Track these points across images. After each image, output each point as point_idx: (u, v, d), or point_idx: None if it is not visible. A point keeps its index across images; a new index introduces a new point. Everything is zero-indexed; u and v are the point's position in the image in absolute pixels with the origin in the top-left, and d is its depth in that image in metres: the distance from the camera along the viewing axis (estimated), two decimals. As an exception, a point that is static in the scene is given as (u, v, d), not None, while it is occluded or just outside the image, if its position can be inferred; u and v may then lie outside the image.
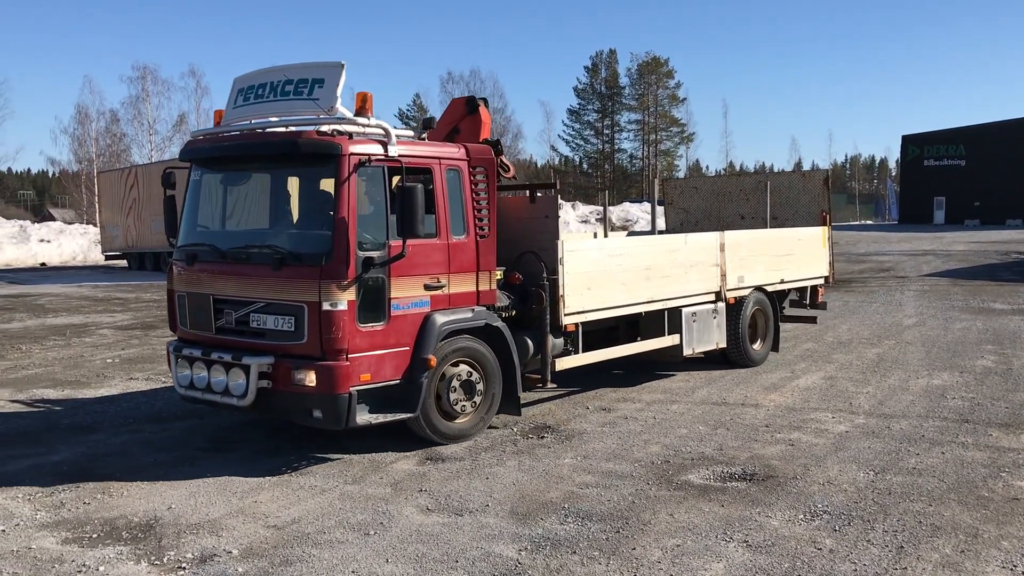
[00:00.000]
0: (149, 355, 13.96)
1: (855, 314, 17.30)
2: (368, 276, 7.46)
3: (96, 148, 60.73)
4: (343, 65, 7.62)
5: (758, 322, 12.03)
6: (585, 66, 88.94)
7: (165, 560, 5.62)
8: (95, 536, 6.07)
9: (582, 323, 9.36)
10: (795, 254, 12.46)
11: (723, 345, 11.29)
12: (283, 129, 7.69)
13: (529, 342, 8.92)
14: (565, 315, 9.03)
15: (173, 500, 6.77)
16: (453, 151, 8.37)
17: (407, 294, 7.77)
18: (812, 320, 13.54)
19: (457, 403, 8.20)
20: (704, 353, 11.19)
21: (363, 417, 7.51)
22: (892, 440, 8.15)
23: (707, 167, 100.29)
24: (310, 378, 7.31)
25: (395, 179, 7.64)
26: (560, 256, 8.96)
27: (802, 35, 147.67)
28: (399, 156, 7.69)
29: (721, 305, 11.12)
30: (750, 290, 11.62)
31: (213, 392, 7.74)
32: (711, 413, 9.38)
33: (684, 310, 10.55)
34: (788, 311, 13.21)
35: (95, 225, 48.80)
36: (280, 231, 8.08)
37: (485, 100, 9.87)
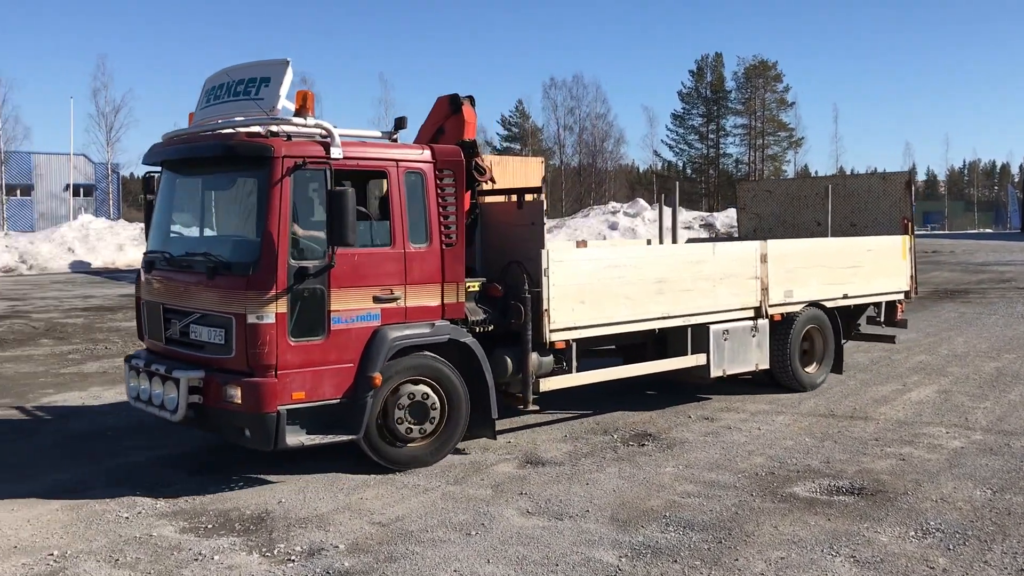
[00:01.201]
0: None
1: (971, 326, 16.58)
2: (303, 287, 6.98)
3: (212, 155, 63.05)
4: (287, 62, 7.27)
5: (815, 341, 10.99)
6: (690, 70, 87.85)
7: (275, 552, 5.83)
8: (210, 527, 6.33)
9: (577, 340, 8.61)
10: (864, 266, 11.25)
11: (764, 366, 10.26)
12: (223, 132, 7.40)
13: (508, 360, 8.18)
14: (551, 331, 8.30)
15: (283, 495, 7.00)
16: (414, 153, 7.78)
17: (351, 307, 7.21)
18: (890, 340, 12.14)
19: (404, 426, 7.53)
20: (743, 375, 10.23)
21: (295, 438, 6.97)
22: (1012, 458, 7.80)
23: (815, 172, 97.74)
24: (237, 395, 6.89)
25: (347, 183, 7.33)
26: (545, 267, 8.20)
27: (916, 37, 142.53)
28: (344, 158, 7.23)
29: (763, 322, 10.11)
30: (801, 306, 10.56)
31: (152, 404, 7.44)
32: (818, 425, 9.15)
33: (713, 327, 9.62)
34: (864, 329, 12.01)
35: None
36: (217, 238, 7.82)
37: (471, 98, 9.10)
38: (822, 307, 10.87)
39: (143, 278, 8.12)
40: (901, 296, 11.92)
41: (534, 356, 8.22)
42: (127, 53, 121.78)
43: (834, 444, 8.38)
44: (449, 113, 8.94)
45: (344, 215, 6.82)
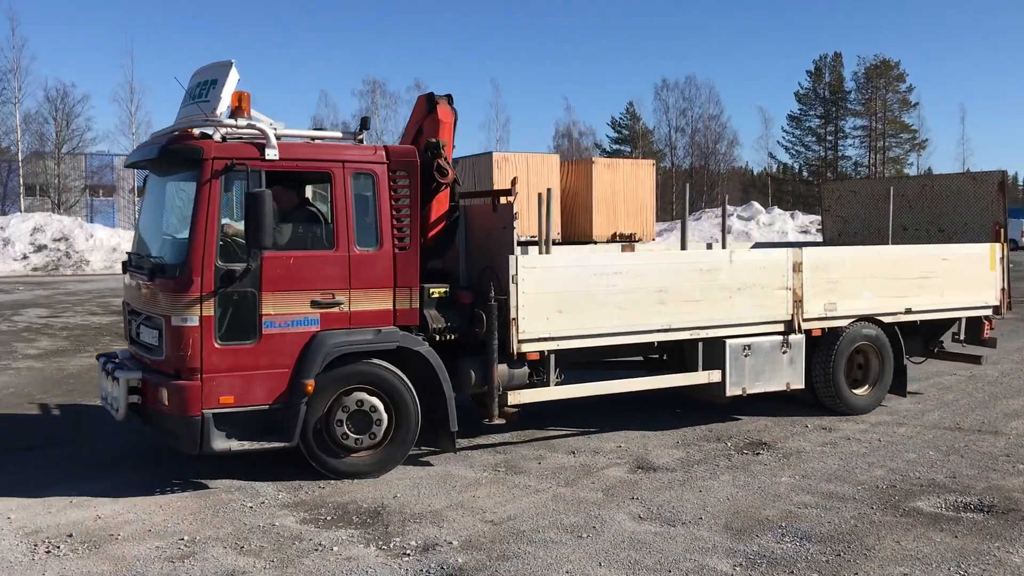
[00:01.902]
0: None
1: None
2: (232, 290, 6.91)
3: (330, 158, 65.07)
4: (231, 64, 7.28)
5: (870, 361, 9.96)
6: (807, 70, 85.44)
7: (391, 546, 5.97)
8: (329, 519, 6.54)
9: (556, 351, 8.20)
10: (937, 277, 10.08)
11: (798, 386, 9.35)
12: (166, 134, 7.49)
13: (472, 371, 7.88)
14: (519, 341, 7.90)
15: (398, 490, 7.16)
16: (364, 153, 7.56)
17: (285, 311, 7.06)
18: (975, 360, 10.78)
19: (346, 436, 7.33)
20: (769, 393, 9.29)
21: (221, 444, 6.89)
22: None
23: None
24: (165, 397, 6.89)
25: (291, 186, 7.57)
26: (513, 273, 7.82)
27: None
28: (281, 159, 7.09)
29: (797, 338, 9.24)
30: (849, 321, 9.63)
31: (107, 403, 7.54)
32: (943, 438, 8.78)
33: (730, 342, 8.89)
34: (946, 348, 10.93)
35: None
36: (162, 239, 7.78)
37: (449, 97, 8.63)
38: (878, 322, 9.87)
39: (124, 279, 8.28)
40: (988, 312, 10.59)
41: (503, 367, 7.90)
42: (252, 57, 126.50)
43: (960, 458, 8.03)
44: (426, 113, 8.56)
45: (258, 218, 6.71)
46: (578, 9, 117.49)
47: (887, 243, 11.32)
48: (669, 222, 45.82)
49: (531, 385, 8.21)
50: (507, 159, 32.90)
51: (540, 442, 8.63)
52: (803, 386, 9.43)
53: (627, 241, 28.22)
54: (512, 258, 7.86)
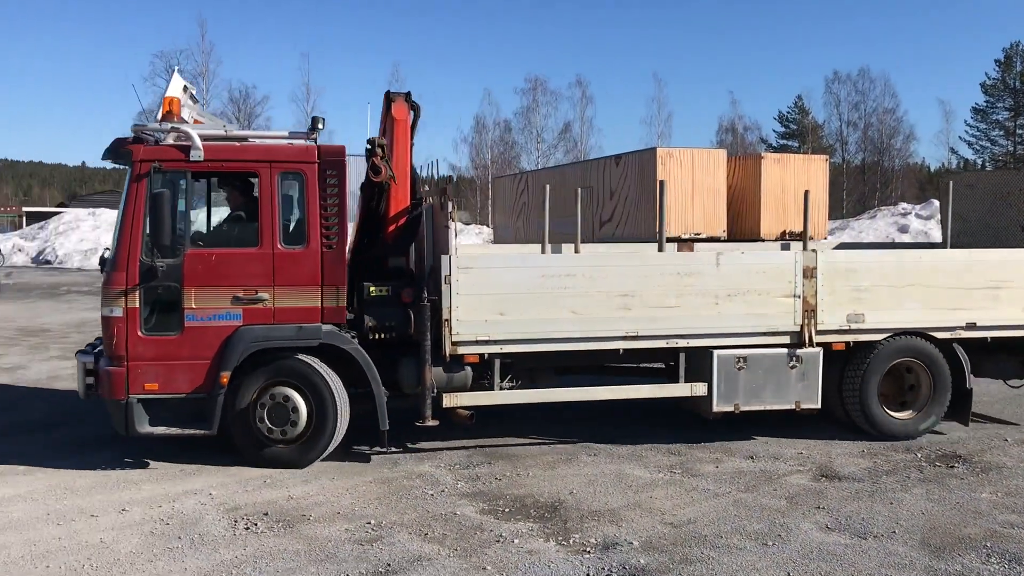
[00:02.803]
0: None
1: None
2: (156, 284, 7.31)
3: (491, 155, 66.12)
4: (175, 70, 7.96)
5: (920, 380, 8.68)
6: (996, 59, 79.84)
7: (571, 542, 5.96)
8: (507, 510, 6.60)
9: (501, 354, 7.91)
10: (1012, 286, 8.65)
11: (810, 405, 8.35)
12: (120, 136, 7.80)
13: (406, 371, 7.83)
14: (453, 343, 7.73)
15: (574, 486, 7.16)
16: (292, 153, 7.67)
17: (207, 305, 7.37)
18: None
19: (264, 427, 7.52)
20: (774, 409, 8.37)
21: (144, 428, 7.34)
22: None
23: None
24: (100, 381, 7.43)
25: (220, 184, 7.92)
26: (447, 274, 7.66)
27: None
28: (207, 160, 7.43)
29: (810, 352, 8.28)
30: (884, 335, 8.49)
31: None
32: None
33: (718, 353, 8.14)
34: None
35: (488, 226, 53.12)
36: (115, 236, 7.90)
37: (406, 94, 8.40)
38: (928, 337, 8.62)
39: None
40: None
41: (438, 369, 7.82)
42: (419, 57, 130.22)
43: None
44: (385, 111, 8.51)
45: (157, 218, 7.15)
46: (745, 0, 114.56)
47: (1006, 246, 9.88)
48: (840, 220, 43.91)
49: (479, 388, 8.05)
50: (671, 155, 32.27)
51: (716, 445, 8.42)
52: (817, 406, 8.39)
53: (796, 239, 27.06)
54: (445, 258, 7.72)
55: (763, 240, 20.09)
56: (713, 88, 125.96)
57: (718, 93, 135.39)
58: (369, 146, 8.09)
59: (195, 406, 7.51)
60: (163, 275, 7.39)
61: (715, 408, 8.21)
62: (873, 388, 8.52)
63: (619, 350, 8.15)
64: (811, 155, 34.31)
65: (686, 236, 32.53)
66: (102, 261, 7.80)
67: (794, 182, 30.96)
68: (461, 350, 7.82)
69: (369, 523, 6.31)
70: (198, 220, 8.13)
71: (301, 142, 7.89)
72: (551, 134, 67.29)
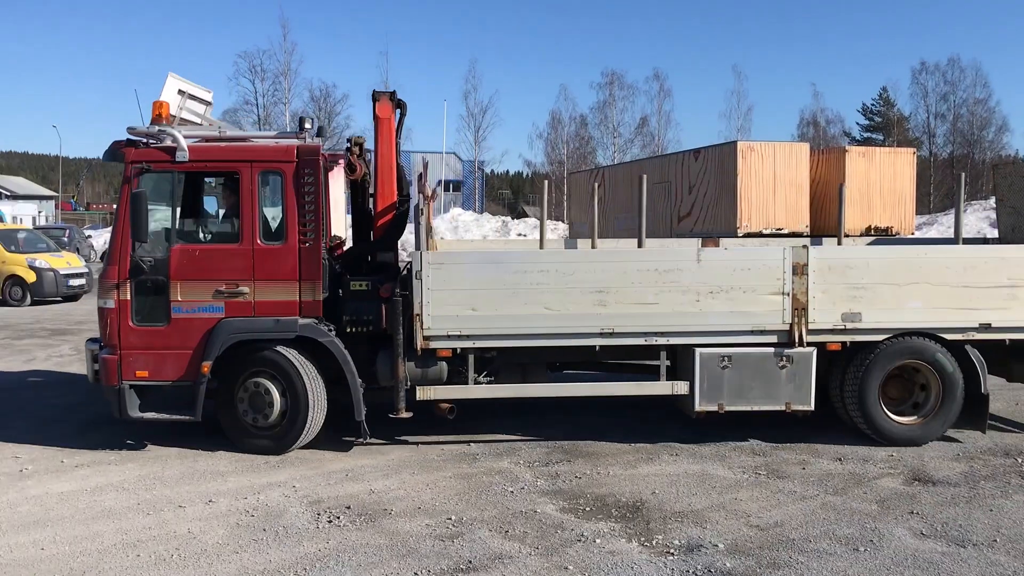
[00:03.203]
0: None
1: None
2: (146, 278, 7.81)
3: (566, 151, 65.95)
4: (168, 75, 8.34)
5: (930, 384, 8.19)
6: (1094, 47, 76.38)
7: (654, 543, 5.85)
8: (588, 509, 6.52)
9: (476, 349, 7.97)
10: None
11: (802, 407, 8.01)
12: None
13: (381, 364, 8.00)
14: (424, 337, 7.84)
15: (656, 486, 7.04)
16: (272, 153, 7.96)
17: (192, 298, 7.80)
18: None
19: (246, 415, 7.95)
20: (761, 411, 8.09)
21: (135, 412, 7.89)
22: None
23: None
24: (100, 367, 7.95)
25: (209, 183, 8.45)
26: (418, 269, 7.79)
27: None
28: (191, 161, 7.82)
29: (802, 351, 7.95)
30: (885, 335, 8.07)
31: None
32: None
33: (700, 351, 7.95)
34: None
35: (563, 222, 52.99)
36: None
37: (391, 94, 8.56)
38: (938, 339, 8.12)
39: None
40: None
41: (411, 363, 7.95)
42: (495, 55, 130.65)
43: None
44: (374, 110, 8.63)
45: (136, 216, 7.60)
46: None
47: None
48: (928, 215, 42.54)
49: (453, 382, 8.14)
50: (752, 148, 31.81)
51: (802, 446, 8.19)
52: (810, 407, 8.04)
53: (883, 235, 26.42)
54: (417, 254, 7.85)
55: (847, 235, 19.43)
56: (794, 80, 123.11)
57: (799, 85, 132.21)
58: (348, 144, 8.42)
59: (184, 393, 7.93)
60: (152, 269, 7.85)
61: (697, 407, 8.03)
62: (873, 391, 8.13)
63: (595, 347, 8.06)
64: (898, 148, 33.24)
65: (767, 232, 31.98)
66: (102, 256, 8.32)
67: (880, 176, 29.97)
68: (433, 344, 7.94)
69: (450, 518, 6.30)
70: (186, 217, 8.44)
71: (290, 142, 8.11)
72: (628, 129, 66.73)
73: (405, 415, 7.95)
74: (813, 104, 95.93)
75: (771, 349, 8.01)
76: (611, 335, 7.99)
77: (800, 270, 8.00)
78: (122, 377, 7.86)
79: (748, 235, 29.37)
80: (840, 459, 7.78)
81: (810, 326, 8.01)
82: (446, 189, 65.00)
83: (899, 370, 8.24)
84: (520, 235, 50.12)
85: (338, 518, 6.34)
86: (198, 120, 8.71)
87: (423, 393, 8.04)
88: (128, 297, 7.87)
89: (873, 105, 77.00)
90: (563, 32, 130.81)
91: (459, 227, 41.64)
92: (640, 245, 9.63)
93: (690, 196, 31.73)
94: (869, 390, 8.11)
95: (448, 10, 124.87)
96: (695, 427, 8.72)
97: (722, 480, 7.20)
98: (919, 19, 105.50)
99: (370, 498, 6.78)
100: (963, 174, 12.26)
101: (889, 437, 8.19)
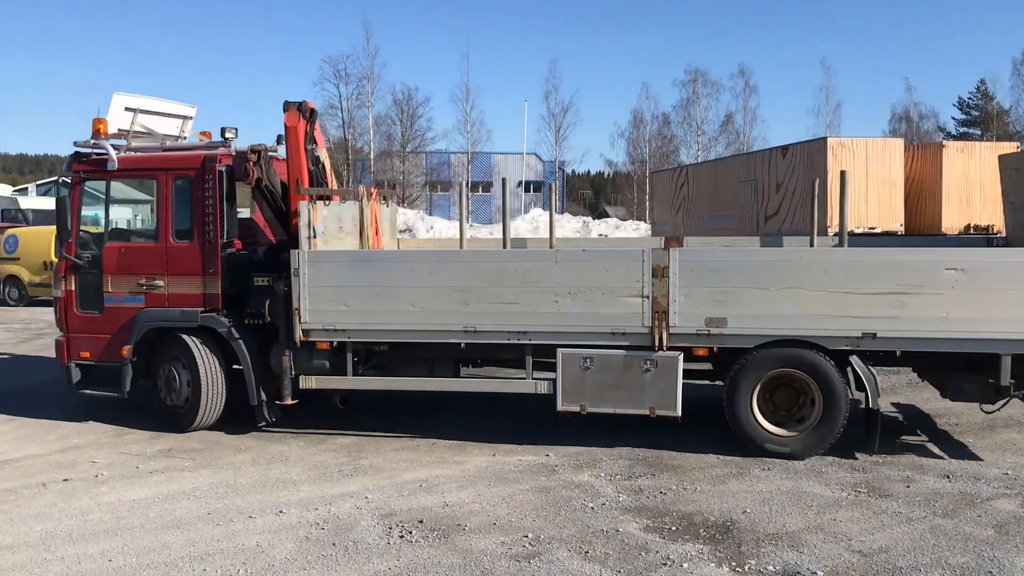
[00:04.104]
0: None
1: None
2: (86, 271, 9.19)
3: (648, 150, 65.04)
4: (114, 95, 9.32)
5: (820, 397, 7.63)
6: None
7: (746, 568, 5.42)
8: (674, 529, 6.11)
9: (353, 343, 8.44)
10: (936, 292, 7.27)
11: (668, 412, 7.76)
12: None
13: (274, 355, 8.62)
14: (303, 330, 8.40)
15: (747, 504, 6.58)
16: (182, 160, 9.04)
17: (120, 290, 9.03)
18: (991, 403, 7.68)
19: (163, 395, 8.96)
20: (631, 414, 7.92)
21: (80, 388, 9.32)
22: None
23: None
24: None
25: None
26: (296, 267, 8.34)
27: None
28: (119, 170, 9.09)
29: (666, 355, 7.70)
30: (758, 342, 7.66)
31: None
32: None
33: (562, 351, 7.90)
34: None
35: (646, 222, 52.27)
36: None
37: (299, 104, 9.05)
38: (818, 347, 7.59)
39: None
40: None
41: (288, 354, 8.46)
42: (576, 54, 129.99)
43: None
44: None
45: (60, 218, 9.21)
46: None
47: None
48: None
49: (336, 373, 8.58)
50: (843, 145, 30.57)
51: (906, 460, 7.62)
52: (676, 413, 7.77)
53: (983, 233, 24.98)
54: (295, 252, 8.38)
55: (944, 235, 18.16)
56: (885, 74, 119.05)
57: (890, 80, 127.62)
58: (246, 151, 8.94)
59: (111, 372, 9.06)
60: (90, 264, 9.20)
61: (560, 407, 8.01)
62: (743, 400, 7.78)
63: (460, 344, 8.21)
64: (998, 142, 31.63)
65: (859, 230, 30.81)
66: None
67: (980, 172, 28.44)
68: (312, 337, 8.45)
69: (526, 536, 5.97)
70: (117, 219, 9.68)
71: (213, 152, 8.99)
72: (712, 126, 65.45)
73: (289, 402, 8.56)
74: (905, 99, 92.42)
75: (636, 352, 7.82)
76: (475, 333, 8.12)
77: (661, 272, 7.78)
78: (70, 356, 9.29)
79: (838, 234, 28.39)
80: (948, 476, 7.19)
81: (671, 330, 7.76)
82: (526, 190, 64.81)
83: (788, 380, 7.80)
84: (601, 235, 49.60)
85: (410, 532, 6.07)
86: (176, 132, 10.02)
87: (305, 383, 8.57)
88: (73, 288, 9.28)
89: (970, 99, 73.90)
90: (644, 30, 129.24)
91: (539, 228, 41.29)
92: (504, 246, 10.12)
93: (778, 194, 30.79)
94: (739, 399, 7.79)
95: (529, 10, 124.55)
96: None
97: (819, 499, 6.69)
98: (1021, 7, 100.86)
99: (444, 512, 6.50)
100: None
101: (760, 449, 7.77)
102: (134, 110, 9.48)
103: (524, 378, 8.25)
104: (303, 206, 8.53)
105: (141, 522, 6.35)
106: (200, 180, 8.81)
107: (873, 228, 28.84)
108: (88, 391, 9.27)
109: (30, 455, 8.21)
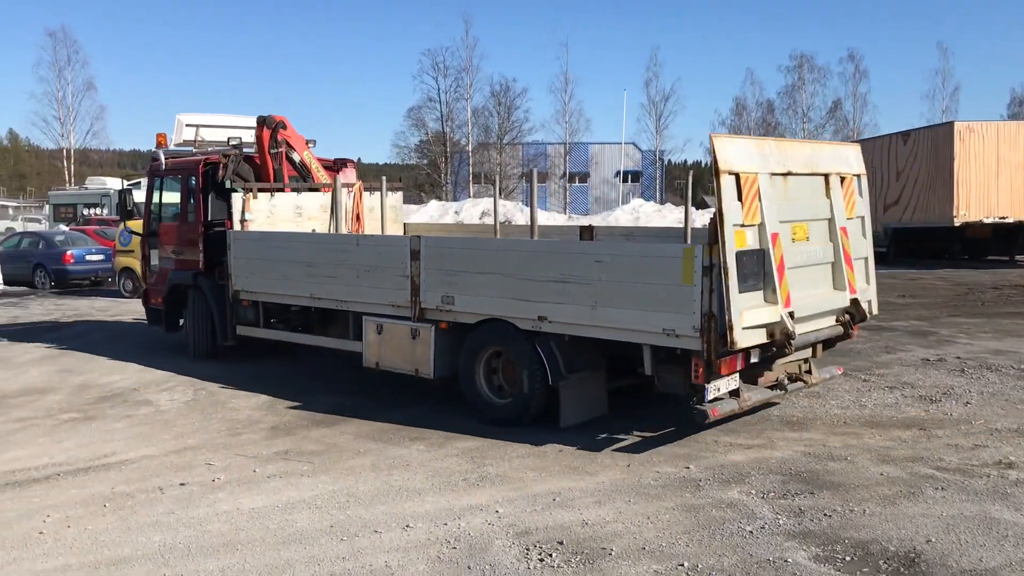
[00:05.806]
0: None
1: None
2: (149, 244, 13.25)
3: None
4: (176, 115, 13.09)
5: (518, 371, 8.37)
6: None
7: (948, 613, 4.66)
8: (849, 560, 5.37)
9: (263, 302, 11.13)
10: (585, 283, 7.76)
11: (425, 374, 9.00)
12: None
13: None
14: (234, 291, 11.28)
15: (929, 531, 5.78)
16: (193, 163, 12.40)
17: (163, 256, 13.00)
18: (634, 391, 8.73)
19: (184, 332, 12.73)
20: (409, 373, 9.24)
21: (152, 324, 13.55)
22: None
23: None
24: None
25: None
26: (229, 243, 11.27)
27: None
28: (166, 169, 12.89)
29: (424, 326, 8.98)
30: (478, 319, 8.62)
31: None
32: None
33: (365, 318, 9.61)
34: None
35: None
36: None
37: (265, 119, 11.98)
38: (516, 328, 8.32)
39: None
40: (686, 343, 7.24)
41: (229, 306, 11.49)
42: (677, 41, 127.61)
43: None
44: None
45: (120, 203, 14.70)
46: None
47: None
48: None
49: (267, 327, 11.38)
50: (971, 129, 28.82)
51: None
52: (430, 375, 9.00)
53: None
54: (227, 232, 11.40)
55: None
56: (1004, 56, 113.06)
57: (1011, 62, 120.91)
58: (220, 157, 11.99)
59: (164, 313, 13.02)
60: (150, 236, 13.26)
61: (364, 363, 9.64)
62: (471, 370, 8.77)
63: (311, 308, 10.64)
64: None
65: (988, 220, 29.04)
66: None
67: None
68: (242, 296, 11.24)
69: (682, 565, 5.33)
70: (165, 204, 13.34)
71: (211, 155, 12.56)
72: (818, 113, 63.33)
73: (230, 343, 11.72)
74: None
75: (408, 323, 9.15)
76: (318, 300, 10.31)
77: (415, 256, 9.03)
78: (150, 303, 13.35)
79: (967, 224, 26.68)
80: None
81: (422, 305, 9.04)
82: (624, 180, 63.66)
83: (505, 354, 8.63)
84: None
85: (550, 555, 5.50)
86: (244, 141, 12.56)
87: (240, 330, 11.49)
88: (147, 253, 13.32)
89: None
90: (747, 15, 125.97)
91: (640, 218, 40.36)
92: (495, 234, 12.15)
93: (898, 183, 29.18)
94: (468, 369, 8.79)
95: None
96: (957, 448, 7.33)
97: (1014, 527, 5.83)
98: None
99: (584, 531, 5.90)
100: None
101: (488, 416, 8.64)
102: (195, 125, 12.90)
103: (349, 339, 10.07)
104: (236, 197, 11.38)
105: (261, 535, 5.94)
106: (197, 178, 12.16)
107: (1004, 217, 27.01)
108: (153, 327, 13.51)
109: (145, 456, 7.95)
